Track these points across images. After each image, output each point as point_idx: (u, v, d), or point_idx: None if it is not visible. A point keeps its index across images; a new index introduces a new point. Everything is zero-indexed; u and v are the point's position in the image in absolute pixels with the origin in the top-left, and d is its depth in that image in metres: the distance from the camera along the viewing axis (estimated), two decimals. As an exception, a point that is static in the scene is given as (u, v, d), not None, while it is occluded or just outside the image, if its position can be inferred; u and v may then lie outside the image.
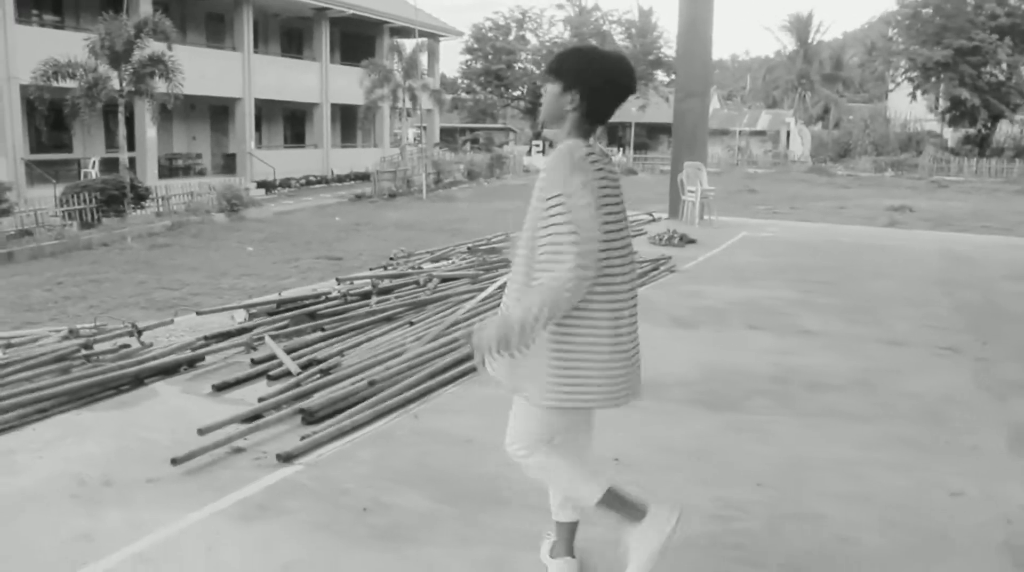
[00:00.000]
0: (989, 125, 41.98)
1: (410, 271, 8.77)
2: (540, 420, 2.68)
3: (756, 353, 6.40)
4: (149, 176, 25.47)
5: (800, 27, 57.74)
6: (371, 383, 4.99)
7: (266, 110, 33.24)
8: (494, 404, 5.16)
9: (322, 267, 14.45)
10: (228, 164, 31.08)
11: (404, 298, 7.50)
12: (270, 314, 6.89)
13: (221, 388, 5.13)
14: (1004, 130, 43.28)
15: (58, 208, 18.90)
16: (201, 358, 5.80)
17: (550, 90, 2.69)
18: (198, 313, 7.04)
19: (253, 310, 7.04)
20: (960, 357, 6.53)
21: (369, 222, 21.53)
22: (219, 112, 31.63)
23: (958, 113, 41.77)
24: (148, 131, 25.85)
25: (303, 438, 4.18)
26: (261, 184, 29.10)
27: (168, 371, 5.53)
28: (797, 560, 3.23)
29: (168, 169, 28.21)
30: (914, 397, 5.46)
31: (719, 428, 4.75)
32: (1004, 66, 40.07)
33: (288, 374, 5.34)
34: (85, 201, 18.97)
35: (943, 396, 5.50)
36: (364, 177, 32.37)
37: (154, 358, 5.57)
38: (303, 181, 32.45)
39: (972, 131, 42.63)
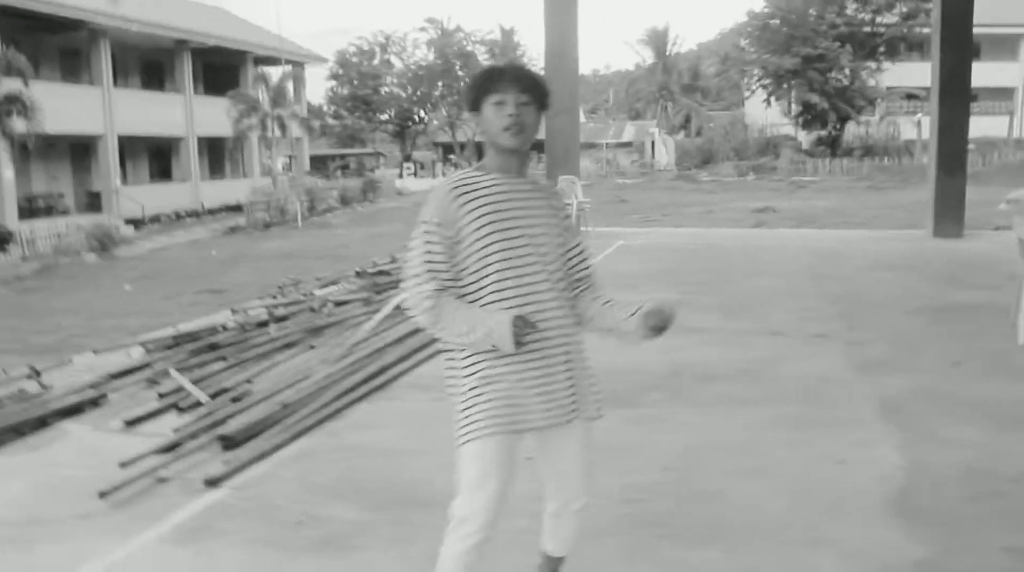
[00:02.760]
0: (838, 127, 44.50)
1: (303, 298, 8.82)
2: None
3: (646, 352, 6.70)
4: (8, 218, 24.38)
5: (657, 40, 59.80)
6: (284, 406, 5.09)
7: (130, 145, 32.27)
8: (407, 417, 5.36)
9: (205, 301, 14.22)
10: (93, 202, 29.99)
11: (301, 324, 7.57)
12: (168, 348, 6.86)
13: (132, 423, 5.13)
14: (852, 131, 45.93)
15: (-87, 258, 17.97)
16: (104, 396, 5.75)
17: (537, 117, 2.63)
18: (95, 352, 6.95)
19: (150, 346, 6.99)
20: (831, 342, 7.07)
21: (247, 254, 21.24)
22: (80, 149, 30.54)
23: (810, 116, 44.12)
24: (4, 172, 24.77)
25: (226, 463, 4.26)
26: (130, 221, 28.20)
27: (72, 411, 5.47)
28: (712, 529, 3.54)
29: (28, 210, 27.03)
30: (795, 381, 5.91)
31: (619, 422, 5.03)
32: (847, 71, 42.61)
33: (198, 404, 5.38)
34: (-57, 249, 18.10)
35: (820, 378, 5.98)
36: (236, 209, 31.80)
37: (58, 399, 5.51)
38: (173, 216, 31.64)
39: (824, 133, 45.08)
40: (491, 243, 2.51)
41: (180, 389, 5.68)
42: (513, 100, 2.53)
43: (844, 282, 10.18)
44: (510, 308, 2.49)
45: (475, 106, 2.59)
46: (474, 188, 2.56)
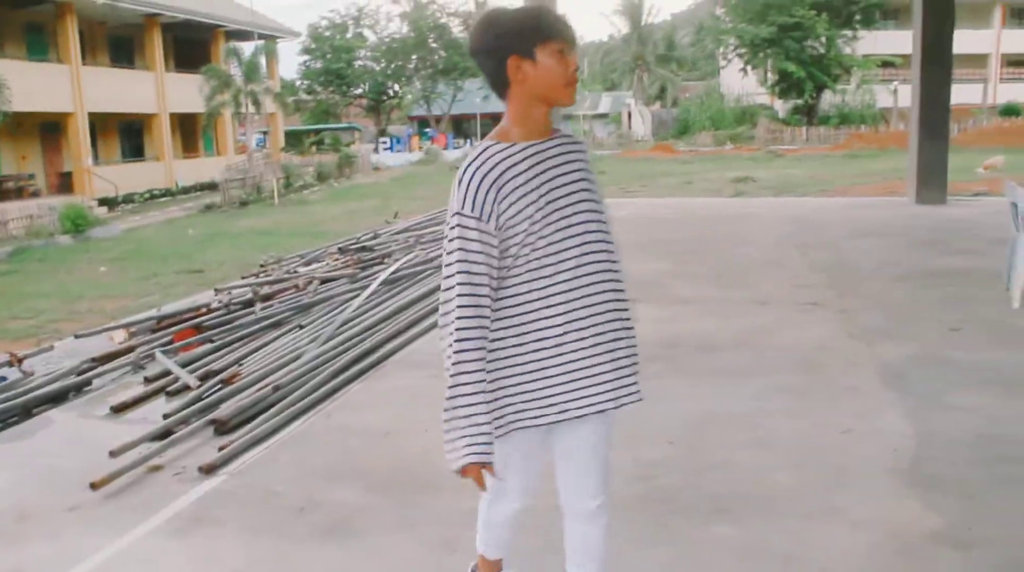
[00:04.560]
0: (815, 95, 44.44)
1: (287, 276, 8.67)
2: None
3: (641, 323, 6.58)
4: (-22, 202, 23.96)
5: (633, 10, 59.46)
6: (276, 388, 4.97)
7: (100, 124, 31.74)
8: (401, 396, 5.24)
9: (184, 281, 13.99)
10: (65, 183, 29.52)
11: (287, 303, 7.43)
12: (152, 331, 6.71)
13: (120, 409, 5.00)
14: (828, 99, 45.92)
15: None
16: (89, 382, 5.61)
17: None
18: (76, 336, 6.79)
19: (133, 329, 6.83)
20: (824, 310, 7.01)
21: (224, 232, 20.96)
22: (50, 129, 29.98)
23: (786, 85, 44.01)
24: (-28, 154, 24.31)
25: (220, 449, 4.14)
26: (103, 202, 27.79)
27: (56, 398, 5.32)
28: (722, 503, 3.47)
29: (-2, 193, 26.59)
30: (791, 350, 5.84)
31: (622, 396, 4.96)
32: (823, 40, 42.49)
33: (187, 388, 5.24)
34: (-88, 233, 17.71)
35: (816, 346, 5.91)
36: (211, 187, 31.37)
37: (40, 386, 5.36)
38: (147, 196, 31.17)
39: (800, 102, 45.02)
40: (531, 227, 2.13)
41: (167, 373, 5.54)
42: (571, 50, 2.17)
43: (829, 250, 10.13)
44: (563, 301, 2.19)
45: (528, 52, 2.11)
46: (507, 166, 2.13)
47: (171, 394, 5.22)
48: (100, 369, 5.78)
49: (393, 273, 7.99)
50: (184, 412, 4.71)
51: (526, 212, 2.13)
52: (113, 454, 4.03)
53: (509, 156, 2.15)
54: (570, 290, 2.20)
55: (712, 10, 53.09)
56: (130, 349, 6.16)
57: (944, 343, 5.88)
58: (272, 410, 4.66)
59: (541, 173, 2.18)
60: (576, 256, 2.20)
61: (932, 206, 13.85)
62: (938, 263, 9.04)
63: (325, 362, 5.50)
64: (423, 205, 20.23)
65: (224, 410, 4.63)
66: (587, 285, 2.22)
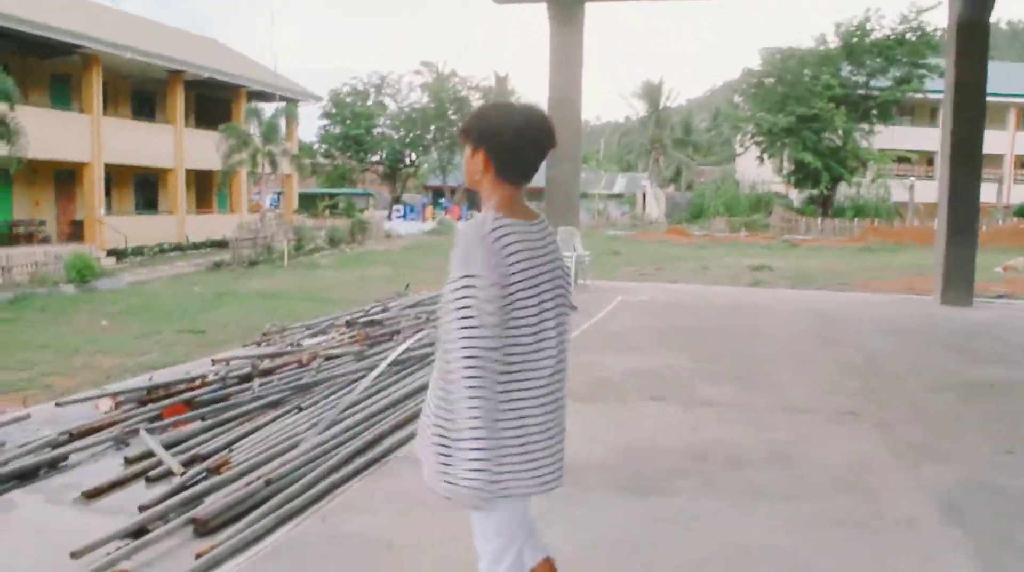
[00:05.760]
0: (830, 187, 44.40)
1: (291, 349, 8.23)
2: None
3: (666, 428, 6.20)
4: (-14, 245, 23.72)
5: (652, 93, 59.99)
6: (268, 482, 4.49)
7: (116, 175, 31.72)
8: (406, 500, 4.76)
9: (185, 341, 13.58)
10: (76, 232, 29.35)
11: (288, 380, 6.97)
12: (141, 403, 6.26)
13: (93, 495, 4.52)
14: (843, 191, 45.87)
15: None
16: (64, 458, 5.14)
17: (465, 153, 2.56)
18: (57, 404, 6.32)
19: (120, 398, 6.38)
20: (862, 422, 6.53)
21: (231, 292, 20.61)
22: (65, 177, 29.94)
23: (802, 175, 43.98)
24: (-16, 197, 24.17)
25: (198, 556, 3.66)
26: (112, 252, 27.58)
27: (26, 476, 4.86)
28: None
29: (7, 237, 26.37)
30: (831, 468, 5.36)
31: (647, 517, 4.48)
32: (840, 132, 42.60)
33: (170, 474, 4.78)
34: (-87, 274, 17.39)
35: (858, 465, 5.42)
36: (222, 244, 31.16)
37: (8, 461, 4.89)
38: (157, 249, 30.98)
39: (815, 192, 44.95)
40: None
41: (150, 454, 5.07)
42: None
43: (858, 351, 9.67)
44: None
45: None
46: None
47: (152, 480, 4.75)
48: (78, 444, 5.32)
49: (402, 353, 7.55)
50: (163, 504, 4.23)
51: None
52: (75, 556, 3.55)
53: None
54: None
55: (729, 97, 53.59)
56: (113, 423, 5.69)
57: (999, 468, 5.39)
58: (261, 509, 4.18)
59: None
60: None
61: (958, 307, 13.43)
62: (974, 372, 8.57)
63: (324, 453, 5.03)
64: (434, 277, 19.87)
65: (207, 507, 4.15)
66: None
